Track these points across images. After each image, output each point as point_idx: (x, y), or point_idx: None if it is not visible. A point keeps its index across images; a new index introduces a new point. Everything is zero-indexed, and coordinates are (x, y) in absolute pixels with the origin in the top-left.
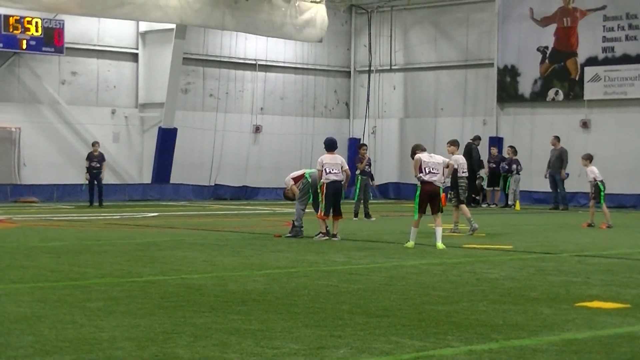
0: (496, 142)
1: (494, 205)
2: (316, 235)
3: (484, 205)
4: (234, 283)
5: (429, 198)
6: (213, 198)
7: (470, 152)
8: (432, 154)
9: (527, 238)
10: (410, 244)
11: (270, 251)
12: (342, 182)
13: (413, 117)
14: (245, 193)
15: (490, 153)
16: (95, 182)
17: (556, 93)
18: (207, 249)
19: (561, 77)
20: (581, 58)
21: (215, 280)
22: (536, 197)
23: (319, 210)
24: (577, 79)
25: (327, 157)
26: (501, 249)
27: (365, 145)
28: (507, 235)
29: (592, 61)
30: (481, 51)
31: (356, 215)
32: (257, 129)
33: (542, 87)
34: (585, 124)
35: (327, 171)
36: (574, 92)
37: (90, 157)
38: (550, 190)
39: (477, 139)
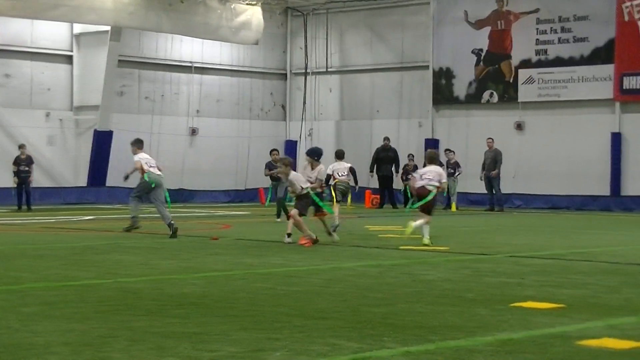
0: (432, 144)
1: None
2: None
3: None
4: (171, 286)
5: None
6: (149, 201)
7: (376, 155)
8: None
9: (463, 239)
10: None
11: (207, 254)
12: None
13: (349, 120)
14: (182, 196)
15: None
16: (23, 186)
17: (491, 95)
18: (143, 252)
19: (496, 80)
20: (515, 60)
21: (152, 284)
22: (472, 198)
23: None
24: (511, 81)
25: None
26: (438, 251)
27: (277, 150)
28: (443, 237)
29: (526, 64)
30: (416, 54)
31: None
32: (194, 132)
33: (477, 89)
34: (519, 126)
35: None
36: (509, 94)
37: (17, 161)
38: (485, 191)
39: (385, 139)
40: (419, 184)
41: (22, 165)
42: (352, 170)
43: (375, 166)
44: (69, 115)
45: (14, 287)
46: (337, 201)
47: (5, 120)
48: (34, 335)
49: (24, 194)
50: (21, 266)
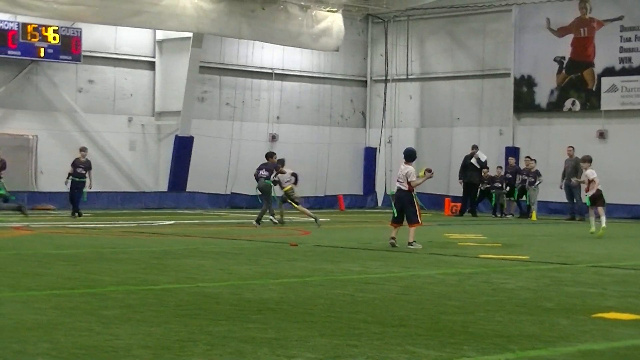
0: (513, 152)
1: (510, 216)
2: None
3: (498, 215)
4: (249, 292)
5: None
6: (229, 207)
7: (464, 162)
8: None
9: (543, 248)
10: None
11: (285, 260)
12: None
13: (429, 127)
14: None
15: (507, 163)
16: (76, 190)
17: (573, 103)
18: (222, 258)
19: (578, 88)
20: (598, 68)
21: (231, 289)
22: (552, 207)
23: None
24: (593, 89)
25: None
26: (517, 260)
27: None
28: (523, 246)
29: (609, 72)
30: (497, 61)
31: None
32: (273, 138)
33: (558, 97)
34: (601, 135)
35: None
36: (591, 103)
37: (76, 163)
38: (566, 200)
39: (474, 147)
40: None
41: (80, 168)
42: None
43: (462, 173)
44: (150, 121)
45: (95, 290)
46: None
47: (88, 126)
48: (114, 338)
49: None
50: (102, 269)
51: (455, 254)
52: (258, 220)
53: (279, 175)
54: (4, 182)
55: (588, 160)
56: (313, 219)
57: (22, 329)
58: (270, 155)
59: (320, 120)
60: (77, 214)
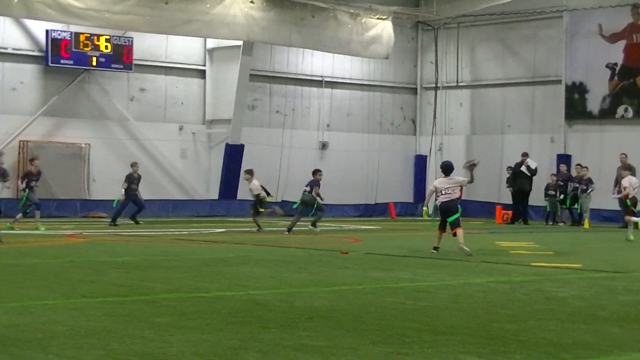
0: (564, 159)
1: (562, 224)
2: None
3: (550, 223)
4: (300, 299)
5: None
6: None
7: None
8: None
9: (596, 257)
10: None
11: (336, 268)
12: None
13: (480, 134)
14: (312, 210)
15: (559, 171)
16: (130, 202)
17: (625, 110)
18: (273, 265)
19: (631, 94)
20: None
21: (282, 297)
22: (605, 215)
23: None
24: None
25: (440, 181)
26: (570, 268)
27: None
28: (575, 254)
29: None
30: (548, 68)
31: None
32: (324, 146)
33: (611, 104)
34: None
35: (443, 193)
36: None
37: (130, 179)
38: (619, 208)
39: (524, 154)
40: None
41: (134, 183)
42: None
43: (512, 181)
44: (201, 129)
45: (147, 298)
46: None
47: (139, 134)
48: (167, 345)
49: (129, 207)
50: (154, 277)
51: (506, 262)
52: (314, 224)
53: (251, 185)
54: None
55: (628, 168)
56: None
57: (76, 336)
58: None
59: (371, 127)
60: (114, 224)
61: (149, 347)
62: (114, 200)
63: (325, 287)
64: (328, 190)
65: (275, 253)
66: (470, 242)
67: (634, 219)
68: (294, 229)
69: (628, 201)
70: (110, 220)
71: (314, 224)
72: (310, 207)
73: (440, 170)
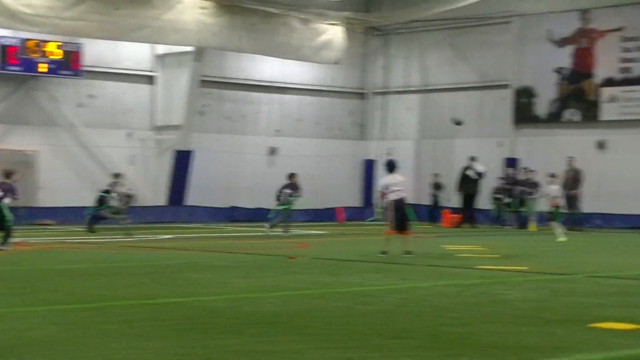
0: (512, 163)
1: (509, 227)
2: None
3: (497, 226)
4: (247, 305)
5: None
6: (228, 220)
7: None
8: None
9: (542, 259)
10: None
11: (283, 273)
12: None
13: (429, 139)
14: (260, 215)
15: (506, 174)
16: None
17: (572, 114)
18: (220, 271)
19: (578, 98)
20: (598, 79)
21: (229, 302)
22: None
23: (387, 227)
24: (593, 99)
25: (388, 178)
26: (516, 271)
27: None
28: (522, 257)
29: (609, 82)
30: (498, 73)
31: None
32: (273, 151)
33: (558, 108)
34: (601, 145)
35: (393, 190)
36: (590, 113)
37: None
38: (565, 211)
39: (471, 159)
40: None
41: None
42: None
43: (460, 185)
44: (150, 135)
45: (93, 305)
46: None
47: (88, 141)
48: (111, 354)
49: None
50: (100, 284)
51: (454, 266)
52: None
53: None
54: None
55: (551, 175)
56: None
57: (19, 345)
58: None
59: (320, 133)
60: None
61: (94, 356)
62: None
63: (272, 292)
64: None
65: (223, 259)
66: (418, 246)
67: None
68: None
69: (556, 211)
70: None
71: (286, 229)
72: (287, 212)
73: (385, 167)
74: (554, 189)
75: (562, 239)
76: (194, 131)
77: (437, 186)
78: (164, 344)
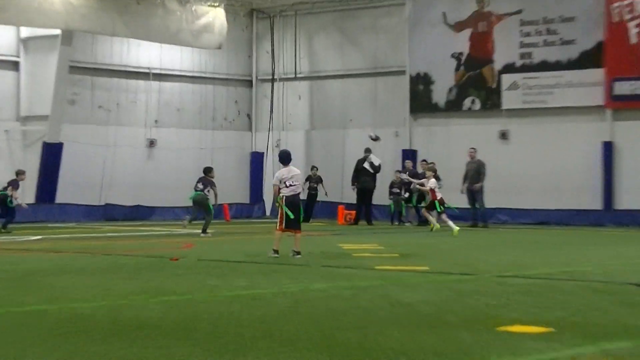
0: (410, 155)
1: (408, 224)
2: (269, 253)
3: (396, 223)
4: (128, 310)
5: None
6: (104, 219)
7: (357, 166)
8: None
9: (444, 258)
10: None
11: (166, 276)
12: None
13: (320, 129)
14: (139, 213)
15: (404, 167)
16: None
17: (472, 102)
18: (97, 275)
19: (477, 86)
20: (498, 65)
21: (108, 308)
22: (453, 213)
23: (277, 224)
24: (494, 87)
25: (283, 171)
26: (416, 271)
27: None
28: (422, 256)
29: (509, 68)
30: (391, 58)
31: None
32: (152, 143)
33: (457, 95)
34: (503, 135)
35: (287, 185)
36: (491, 101)
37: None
38: (468, 206)
39: (367, 151)
40: None
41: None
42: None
43: (355, 179)
44: (15, 126)
45: None
46: None
47: None
48: None
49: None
50: None
51: (349, 266)
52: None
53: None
54: None
55: (432, 169)
56: None
57: None
58: (207, 171)
59: (203, 123)
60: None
61: None
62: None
63: (154, 296)
64: (157, 192)
65: (99, 261)
66: (311, 245)
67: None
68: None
69: (437, 202)
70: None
71: (205, 230)
72: (203, 208)
73: (279, 160)
74: (433, 182)
75: (437, 226)
76: (63, 122)
77: (313, 179)
78: (39, 351)
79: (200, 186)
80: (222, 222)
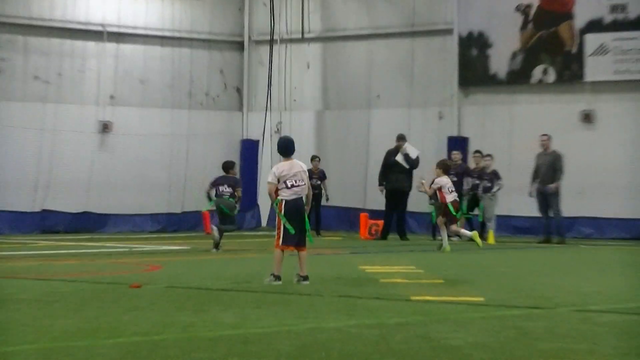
0: (458, 144)
1: (456, 238)
2: (267, 279)
3: (438, 237)
4: (70, 357)
5: None
6: (39, 230)
7: (385, 160)
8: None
9: (504, 285)
10: None
11: (125, 309)
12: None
13: (336, 109)
14: (87, 222)
15: (450, 160)
16: None
17: (544, 72)
18: (30, 307)
19: (552, 50)
20: (580, 21)
21: (41, 355)
22: (517, 224)
23: (276, 239)
24: (574, 51)
25: (284, 166)
26: (467, 302)
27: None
28: (475, 282)
29: (595, 26)
30: (435, 13)
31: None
32: (105, 128)
33: (524, 63)
34: (587, 117)
35: (288, 185)
36: (571, 71)
37: None
38: (538, 214)
39: (400, 138)
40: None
41: None
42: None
43: (384, 177)
44: None
45: None
46: None
47: None
48: None
49: None
50: None
51: (376, 296)
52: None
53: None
54: None
55: (442, 166)
56: None
57: None
58: (230, 166)
59: (176, 101)
60: None
61: None
62: None
63: (107, 338)
64: (112, 195)
65: (32, 289)
66: (323, 267)
67: (465, 232)
68: None
69: (450, 205)
70: None
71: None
72: (229, 220)
73: (278, 150)
74: (445, 180)
75: (447, 248)
76: None
77: (315, 174)
78: None
79: (229, 189)
80: (201, 235)
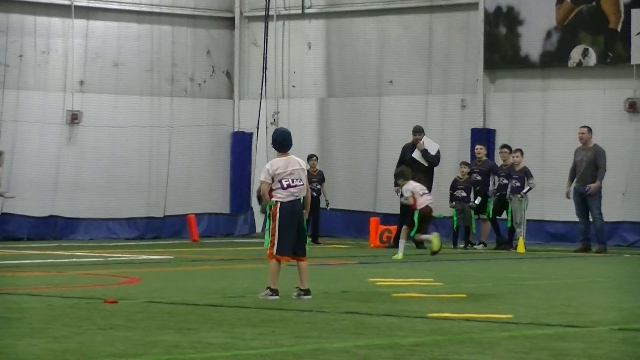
0: (483, 137)
1: (481, 246)
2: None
3: (460, 246)
4: None
5: None
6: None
7: (401, 156)
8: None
9: (535, 301)
10: None
11: (97, 328)
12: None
13: (342, 97)
14: (54, 228)
15: (474, 157)
16: None
17: (585, 54)
18: None
19: (593, 27)
20: None
21: None
22: (551, 230)
23: (269, 247)
24: (619, 29)
25: (279, 162)
26: (493, 320)
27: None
28: (502, 297)
29: None
30: None
31: None
32: (74, 118)
33: (560, 43)
34: (633, 106)
35: (284, 185)
36: (615, 53)
37: None
38: (576, 218)
39: (417, 131)
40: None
41: None
42: None
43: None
44: None
45: None
46: None
47: None
48: None
49: None
50: None
51: (388, 313)
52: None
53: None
54: None
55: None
56: None
57: None
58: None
59: (155, 87)
60: None
61: None
62: None
63: None
64: (82, 196)
65: None
66: (327, 280)
67: (424, 236)
68: None
69: (417, 213)
70: None
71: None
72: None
73: (272, 145)
74: (412, 184)
75: (398, 256)
76: None
77: (314, 176)
78: None
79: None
80: (187, 243)
